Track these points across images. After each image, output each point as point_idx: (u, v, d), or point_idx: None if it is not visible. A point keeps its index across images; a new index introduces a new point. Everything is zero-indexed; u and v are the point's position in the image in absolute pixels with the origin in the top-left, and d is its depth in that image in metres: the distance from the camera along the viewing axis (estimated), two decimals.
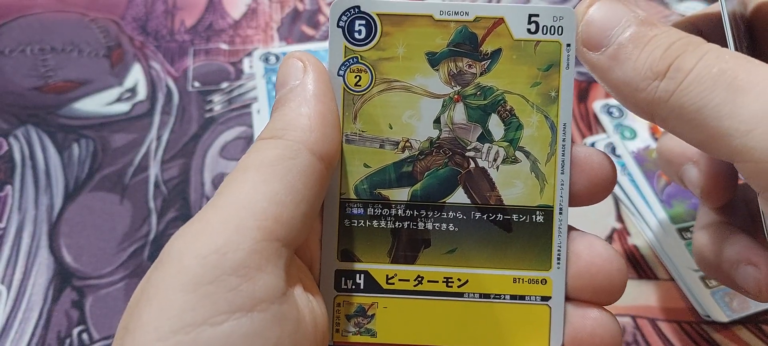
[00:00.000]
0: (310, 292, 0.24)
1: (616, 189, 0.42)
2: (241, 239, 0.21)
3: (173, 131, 0.45)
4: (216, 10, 0.53)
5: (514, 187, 0.26)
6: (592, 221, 0.40)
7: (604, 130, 0.45)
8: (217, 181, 0.43)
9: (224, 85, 0.48)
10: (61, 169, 0.43)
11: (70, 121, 0.45)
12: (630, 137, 0.44)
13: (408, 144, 0.26)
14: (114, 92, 0.47)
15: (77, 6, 0.53)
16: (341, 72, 0.25)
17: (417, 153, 0.26)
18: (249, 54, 0.50)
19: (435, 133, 0.26)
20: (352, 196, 0.26)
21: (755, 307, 0.36)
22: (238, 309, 0.20)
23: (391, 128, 0.26)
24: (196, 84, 0.48)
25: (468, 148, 0.26)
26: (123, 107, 0.46)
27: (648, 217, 0.40)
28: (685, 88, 0.22)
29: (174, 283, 0.20)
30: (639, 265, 0.39)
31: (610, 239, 0.40)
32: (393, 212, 0.26)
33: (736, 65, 0.21)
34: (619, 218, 0.41)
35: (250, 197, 0.22)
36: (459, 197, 0.26)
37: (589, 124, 0.46)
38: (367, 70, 0.25)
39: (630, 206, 0.41)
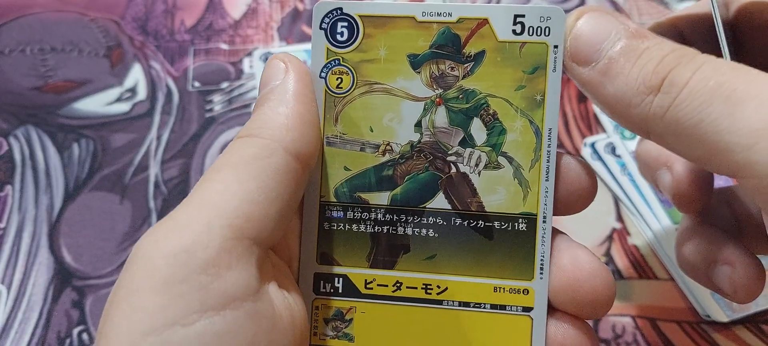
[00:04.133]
0: (286, 289, 0.23)
1: (616, 189, 0.42)
2: (210, 237, 0.21)
3: (173, 131, 0.45)
4: (216, 10, 0.53)
5: (496, 193, 0.25)
6: (591, 221, 0.40)
7: (604, 130, 0.45)
8: None
9: (224, 85, 0.48)
10: (61, 169, 0.43)
11: (70, 121, 0.45)
12: (630, 137, 0.44)
13: (389, 147, 0.25)
14: (114, 92, 0.47)
15: (77, 6, 0.53)
16: (323, 74, 0.25)
17: (397, 157, 0.25)
18: (249, 54, 0.50)
19: (416, 137, 0.25)
20: (332, 199, 0.25)
21: (755, 307, 0.36)
22: (210, 308, 0.20)
23: (372, 131, 0.25)
24: (196, 84, 0.48)
25: (449, 152, 0.25)
26: (123, 107, 0.46)
27: (648, 217, 0.40)
28: (680, 102, 0.21)
29: (143, 284, 0.20)
30: (639, 265, 0.39)
31: (610, 238, 0.40)
32: (373, 216, 0.25)
33: (733, 76, 0.20)
34: (619, 217, 0.41)
35: (221, 195, 0.21)
36: (439, 202, 0.25)
37: (589, 124, 0.46)
38: (349, 72, 0.25)
39: (630, 205, 0.41)
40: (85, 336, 0.36)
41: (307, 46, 0.51)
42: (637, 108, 0.22)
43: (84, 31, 0.51)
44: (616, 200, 0.42)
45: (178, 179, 0.42)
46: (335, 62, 0.25)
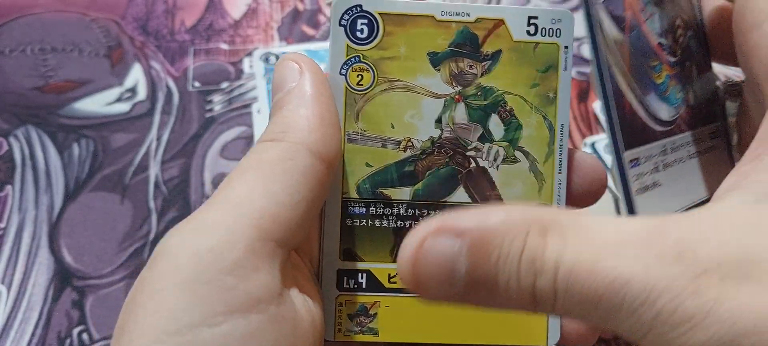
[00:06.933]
0: (306, 293, 0.23)
1: (616, 188, 0.42)
2: (236, 238, 0.21)
3: (173, 131, 0.45)
4: (216, 10, 0.53)
5: (513, 186, 0.26)
6: None
7: (604, 130, 0.45)
8: (218, 181, 0.43)
9: (224, 85, 0.48)
10: (61, 169, 0.43)
11: (70, 121, 0.45)
12: None
13: (410, 143, 0.26)
14: (114, 92, 0.47)
15: (77, 6, 0.53)
16: (343, 71, 0.25)
17: (419, 152, 0.26)
18: (249, 54, 0.50)
19: (436, 133, 0.26)
20: (354, 195, 0.26)
21: None
22: (235, 310, 0.20)
23: (393, 128, 0.26)
24: (197, 84, 0.48)
25: (469, 147, 0.26)
26: (123, 107, 0.46)
27: None
28: (564, 308, 0.18)
29: (169, 282, 0.20)
30: None
31: None
32: (395, 211, 0.26)
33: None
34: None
35: (247, 196, 0.21)
36: (460, 196, 0.26)
37: (589, 124, 0.46)
38: (369, 69, 0.25)
39: None
40: (85, 336, 0.36)
41: (308, 46, 0.51)
42: (531, 307, 0.19)
43: (85, 31, 0.51)
44: (616, 200, 0.42)
45: (178, 179, 0.42)
46: (355, 59, 0.25)
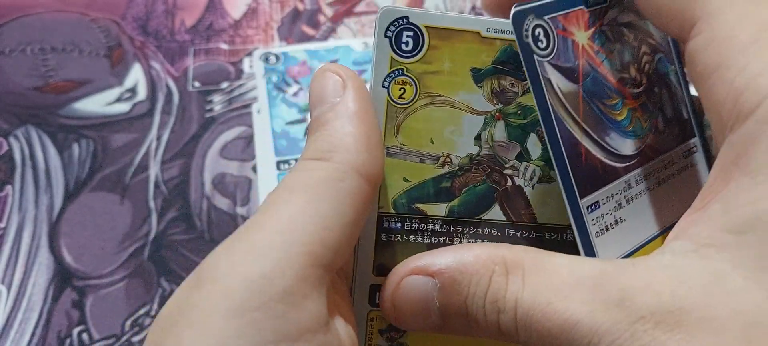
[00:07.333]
0: (344, 317, 0.23)
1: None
2: (288, 264, 0.20)
3: (173, 131, 0.45)
4: (216, 10, 0.53)
5: (547, 206, 0.25)
6: None
7: None
8: (217, 181, 0.43)
9: (224, 85, 0.48)
10: (61, 169, 0.43)
11: (70, 121, 0.45)
12: None
13: (448, 159, 0.25)
14: (114, 92, 0.47)
15: (77, 6, 0.53)
16: (386, 83, 0.25)
17: (456, 169, 0.25)
18: (249, 54, 0.50)
19: (475, 150, 0.25)
20: (391, 210, 0.25)
21: None
22: (285, 338, 0.20)
23: (433, 143, 0.25)
24: (197, 84, 0.48)
25: (506, 166, 0.25)
26: (123, 107, 0.46)
27: None
28: (526, 341, 0.21)
29: (218, 306, 0.20)
30: None
31: None
32: (430, 227, 0.25)
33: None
34: None
35: (297, 219, 0.21)
36: (494, 213, 0.25)
37: None
38: (412, 83, 0.25)
39: None
40: (84, 336, 0.36)
41: (308, 46, 0.51)
42: (500, 337, 0.22)
43: (85, 31, 0.51)
44: None
45: (178, 179, 0.42)
46: (399, 72, 0.25)
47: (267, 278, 0.20)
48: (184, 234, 0.40)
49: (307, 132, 0.24)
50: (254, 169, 0.43)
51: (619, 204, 0.25)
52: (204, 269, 0.21)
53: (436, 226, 0.25)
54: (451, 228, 0.25)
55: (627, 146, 0.25)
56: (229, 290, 0.20)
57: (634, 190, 0.26)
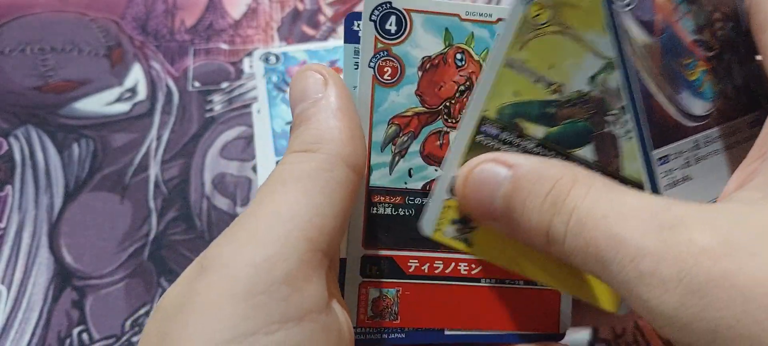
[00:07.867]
0: (339, 302, 0.24)
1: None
2: (290, 249, 0.21)
3: (173, 131, 0.45)
4: (216, 10, 0.53)
5: (633, 162, 0.26)
6: None
7: None
8: (217, 181, 0.43)
9: (224, 85, 0.48)
10: (61, 169, 0.43)
11: (70, 121, 0.45)
12: None
13: (559, 89, 0.26)
14: (114, 92, 0.47)
15: (77, 5, 0.53)
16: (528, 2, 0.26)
17: (564, 100, 0.26)
18: (249, 54, 0.50)
19: (586, 89, 0.26)
20: (494, 116, 0.26)
21: None
22: (290, 319, 0.20)
23: (550, 69, 0.26)
24: (196, 84, 0.48)
25: (609, 112, 0.26)
26: (123, 107, 0.46)
27: None
28: (569, 250, 0.22)
29: (224, 291, 0.20)
30: None
31: None
32: (524, 144, 0.26)
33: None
34: None
35: (294, 207, 0.22)
36: (586, 152, 0.26)
37: None
38: (548, 8, 0.26)
39: None
40: (85, 336, 0.36)
41: (308, 46, 0.51)
42: (545, 245, 0.23)
43: (84, 31, 0.51)
44: None
45: (178, 179, 0.42)
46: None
47: (271, 262, 0.21)
48: (184, 234, 0.40)
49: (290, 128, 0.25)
50: (254, 169, 0.43)
51: (688, 162, 0.26)
52: (206, 258, 0.21)
53: (530, 145, 0.26)
54: (542, 152, 0.26)
55: (697, 107, 0.26)
56: (235, 276, 0.20)
57: (702, 150, 0.26)
